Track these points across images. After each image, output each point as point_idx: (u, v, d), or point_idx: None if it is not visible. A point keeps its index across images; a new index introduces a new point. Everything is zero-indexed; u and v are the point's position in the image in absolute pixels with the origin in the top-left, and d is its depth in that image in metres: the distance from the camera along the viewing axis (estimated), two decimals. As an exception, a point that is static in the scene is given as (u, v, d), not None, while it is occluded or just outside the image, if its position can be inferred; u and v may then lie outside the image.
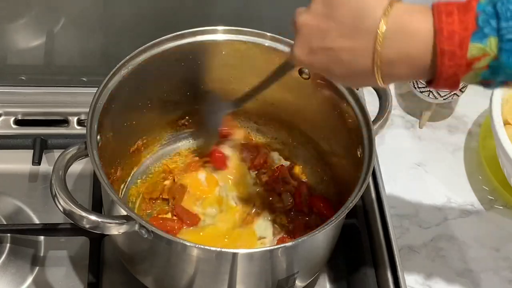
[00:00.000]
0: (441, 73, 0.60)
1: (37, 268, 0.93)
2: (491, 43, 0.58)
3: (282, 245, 0.78)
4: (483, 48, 0.58)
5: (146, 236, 0.74)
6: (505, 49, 0.58)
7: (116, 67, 0.87)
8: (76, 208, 0.74)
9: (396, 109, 1.15)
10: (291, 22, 0.70)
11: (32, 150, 1.02)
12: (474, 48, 0.58)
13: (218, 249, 0.75)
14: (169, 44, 0.90)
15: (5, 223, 0.95)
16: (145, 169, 1.01)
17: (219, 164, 0.99)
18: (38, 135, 1.04)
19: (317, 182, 1.00)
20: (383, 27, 0.61)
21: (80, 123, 1.10)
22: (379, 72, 0.63)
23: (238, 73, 0.97)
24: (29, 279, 0.92)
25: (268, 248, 0.77)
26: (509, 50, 0.58)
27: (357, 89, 0.91)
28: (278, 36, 0.92)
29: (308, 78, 0.92)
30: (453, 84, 0.62)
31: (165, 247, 0.78)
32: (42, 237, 0.95)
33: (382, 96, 0.90)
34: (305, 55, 0.68)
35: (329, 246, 0.88)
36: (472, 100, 1.15)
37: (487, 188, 1.07)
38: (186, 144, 1.04)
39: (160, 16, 1.03)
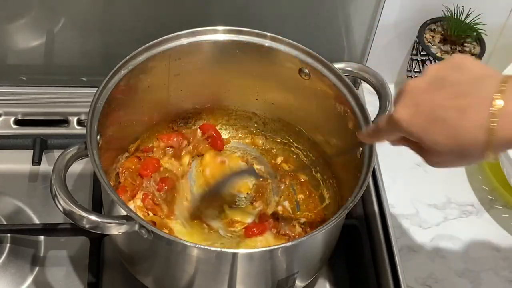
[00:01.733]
0: None
1: (37, 268, 0.93)
2: None
3: (282, 245, 0.78)
4: None
5: (146, 236, 0.74)
6: None
7: (116, 67, 0.87)
8: (76, 208, 0.74)
9: (396, 109, 1.15)
10: (399, 90, 0.68)
11: (32, 150, 1.03)
12: None
13: (218, 249, 0.75)
14: (169, 44, 0.90)
15: (5, 223, 0.95)
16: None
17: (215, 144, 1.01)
18: (38, 135, 1.04)
19: (317, 182, 1.00)
20: (497, 106, 0.60)
21: (80, 123, 1.10)
22: (491, 148, 0.61)
23: (238, 73, 0.97)
24: (29, 279, 0.92)
25: (268, 248, 0.77)
26: None
27: (357, 89, 0.91)
28: (278, 36, 0.92)
29: (308, 78, 0.92)
30: None
31: (165, 247, 0.78)
32: (42, 237, 0.95)
33: (382, 96, 0.91)
34: (408, 115, 0.65)
35: (329, 246, 0.88)
36: (472, 100, 1.15)
37: (487, 188, 1.07)
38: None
39: (160, 16, 1.03)
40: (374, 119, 0.87)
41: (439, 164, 0.68)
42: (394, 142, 0.71)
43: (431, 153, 0.66)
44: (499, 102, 0.60)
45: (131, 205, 0.91)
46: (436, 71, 0.65)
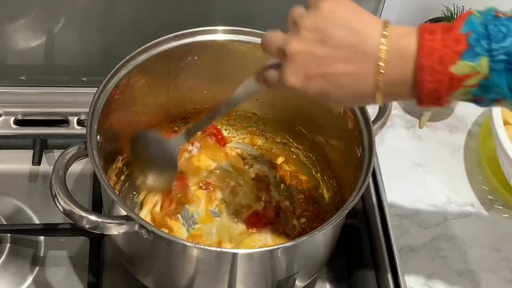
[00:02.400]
0: (421, 89, 0.61)
1: (37, 268, 0.93)
2: (482, 63, 0.59)
3: (282, 245, 0.78)
4: (474, 67, 0.59)
5: (146, 236, 0.74)
6: (496, 70, 0.59)
7: (116, 67, 0.87)
8: (76, 208, 0.74)
9: (396, 109, 1.15)
10: (276, 49, 0.68)
11: (32, 150, 1.02)
12: (464, 66, 0.59)
13: (218, 249, 0.75)
14: (169, 44, 0.90)
15: (5, 223, 0.95)
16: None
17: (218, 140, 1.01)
18: (38, 135, 1.04)
19: (317, 182, 1.00)
20: (384, 51, 0.62)
21: (80, 123, 1.10)
22: (381, 94, 0.64)
23: (238, 73, 0.97)
24: (29, 279, 0.91)
25: (268, 248, 0.77)
26: (500, 71, 0.58)
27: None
28: (278, 36, 0.91)
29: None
30: (436, 100, 0.62)
31: (165, 247, 0.78)
32: (42, 237, 0.95)
33: (382, 96, 0.90)
34: (300, 82, 0.66)
35: (329, 246, 0.88)
36: (472, 100, 1.15)
37: (487, 188, 1.07)
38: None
39: (160, 16, 1.03)
40: (374, 119, 0.87)
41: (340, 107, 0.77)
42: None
43: (334, 103, 0.70)
44: (383, 51, 0.62)
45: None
46: (312, 26, 0.64)
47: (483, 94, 0.61)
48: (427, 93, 0.61)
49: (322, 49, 0.64)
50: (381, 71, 0.62)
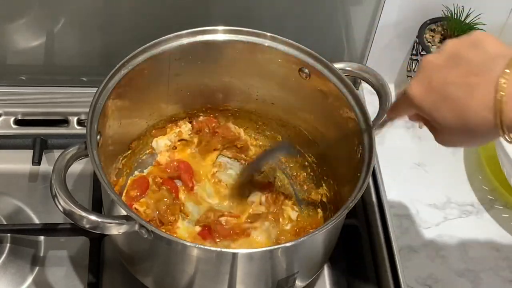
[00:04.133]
0: None
1: (37, 268, 0.93)
2: None
3: (282, 245, 0.78)
4: None
5: (146, 236, 0.74)
6: None
7: (116, 67, 0.87)
8: (76, 208, 0.74)
9: (396, 109, 1.15)
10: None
11: (32, 150, 1.03)
12: None
13: (218, 249, 0.75)
14: (169, 44, 0.90)
15: (5, 223, 0.95)
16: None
17: None
18: (38, 135, 1.04)
19: (317, 182, 1.00)
20: (504, 85, 0.60)
21: (80, 123, 1.10)
22: (504, 122, 0.61)
23: (238, 73, 0.97)
24: (29, 279, 0.92)
25: (268, 248, 0.77)
26: None
27: (357, 89, 0.91)
28: (278, 36, 0.92)
29: (308, 78, 0.92)
30: None
31: (165, 247, 0.78)
32: (42, 237, 0.95)
33: (382, 96, 0.90)
34: (420, 92, 0.66)
35: (329, 246, 0.88)
36: (472, 100, 1.15)
37: (487, 188, 1.07)
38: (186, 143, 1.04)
39: (160, 16, 1.03)
40: (374, 119, 0.87)
41: (449, 143, 0.68)
42: (411, 118, 0.73)
43: (441, 131, 0.66)
44: (503, 84, 0.60)
45: None
46: (453, 47, 0.65)
47: None
48: None
49: (451, 62, 0.64)
50: (499, 106, 0.60)
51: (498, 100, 0.60)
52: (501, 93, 0.60)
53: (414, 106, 0.67)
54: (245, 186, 0.99)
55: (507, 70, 0.60)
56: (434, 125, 0.67)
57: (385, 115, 0.80)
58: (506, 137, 0.62)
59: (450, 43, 0.66)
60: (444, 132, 0.66)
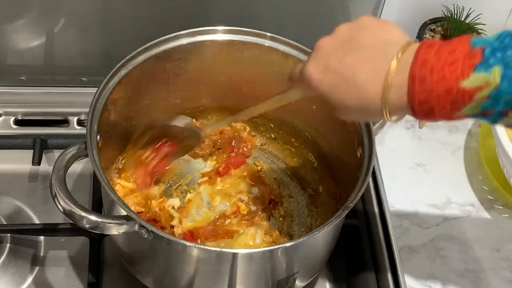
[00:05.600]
0: (413, 99, 0.62)
1: (37, 268, 0.93)
2: (495, 72, 0.59)
3: (282, 245, 0.78)
4: (486, 78, 0.59)
5: (146, 236, 0.74)
6: (507, 76, 0.59)
7: (116, 67, 0.87)
8: (76, 208, 0.74)
9: (396, 109, 1.15)
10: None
11: (32, 150, 1.02)
12: (477, 78, 0.59)
13: (218, 249, 0.75)
14: (169, 44, 0.90)
15: (5, 223, 0.95)
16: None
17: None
18: (38, 135, 1.04)
19: (317, 182, 1.00)
20: (394, 65, 0.62)
21: (80, 123, 1.10)
22: (387, 106, 0.64)
23: (238, 73, 0.97)
24: (29, 279, 0.91)
25: (268, 248, 0.77)
26: (510, 77, 0.59)
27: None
28: (278, 36, 0.92)
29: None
30: (428, 112, 0.62)
31: (165, 247, 0.77)
32: (42, 237, 0.95)
33: (382, 96, 0.90)
34: (318, 73, 0.67)
35: (329, 246, 0.88)
36: (472, 100, 1.15)
37: (487, 188, 1.07)
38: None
39: (160, 16, 1.03)
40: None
41: (348, 118, 0.71)
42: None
43: (340, 110, 0.69)
44: (393, 69, 0.62)
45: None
46: (347, 30, 0.67)
47: (492, 107, 0.61)
48: (418, 103, 0.62)
49: (347, 46, 0.66)
50: (391, 74, 0.63)
51: (385, 86, 0.63)
52: (390, 79, 0.62)
53: (311, 87, 0.69)
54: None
55: (397, 62, 0.63)
56: (333, 104, 0.69)
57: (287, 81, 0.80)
58: (390, 119, 0.65)
59: (343, 26, 0.68)
60: (342, 110, 0.69)
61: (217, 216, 0.95)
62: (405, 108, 0.63)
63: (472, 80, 0.59)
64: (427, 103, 0.61)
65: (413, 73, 0.61)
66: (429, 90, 0.61)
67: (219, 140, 1.03)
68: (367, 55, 0.65)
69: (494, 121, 0.62)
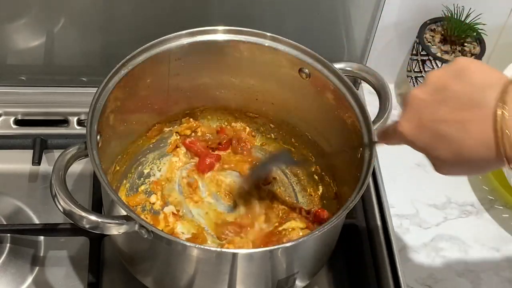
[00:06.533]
0: None
1: (37, 268, 0.93)
2: None
3: (282, 245, 0.78)
4: None
5: (146, 236, 0.74)
6: None
7: (116, 67, 0.87)
8: (76, 208, 0.74)
9: (396, 109, 1.15)
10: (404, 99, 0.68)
11: (32, 150, 1.02)
12: None
13: (218, 249, 0.75)
14: (169, 44, 0.90)
15: (5, 223, 0.95)
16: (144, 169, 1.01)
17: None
18: (38, 135, 1.04)
19: (317, 182, 1.00)
20: (501, 115, 0.58)
21: (80, 123, 1.10)
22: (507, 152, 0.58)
23: (238, 73, 0.97)
24: (29, 279, 0.92)
25: (268, 248, 0.77)
26: None
27: (357, 89, 0.91)
28: (278, 36, 0.92)
29: (308, 78, 0.92)
30: None
31: (165, 247, 0.77)
32: (42, 237, 0.95)
33: (382, 96, 0.90)
34: (411, 129, 0.65)
35: (329, 246, 0.88)
36: (472, 100, 1.15)
37: (487, 188, 1.07)
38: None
39: (160, 16, 1.03)
40: (374, 119, 0.87)
41: (449, 174, 0.66)
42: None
43: (439, 165, 0.65)
44: (500, 114, 0.57)
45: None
46: (438, 79, 0.64)
47: None
48: None
49: (441, 96, 0.62)
50: (503, 120, 0.57)
51: (499, 134, 0.58)
52: (502, 126, 0.57)
53: (407, 143, 0.66)
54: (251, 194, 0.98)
55: (504, 104, 0.58)
56: (431, 160, 0.66)
57: (377, 137, 0.79)
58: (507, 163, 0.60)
59: (434, 74, 0.64)
60: (442, 166, 0.65)
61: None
62: None
63: None
64: None
65: None
66: None
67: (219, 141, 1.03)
68: (461, 104, 0.60)
69: None
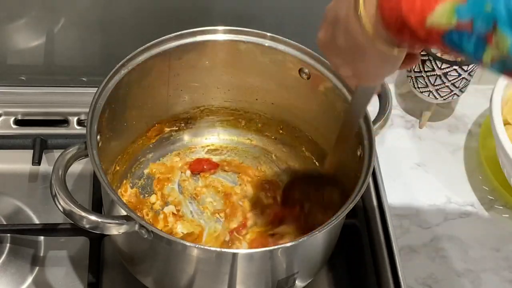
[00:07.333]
0: (382, 9, 0.57)
1: (37, 268, 0.93)
2: None
3: (282, 245, 0.78)
4: None
5: (146, 236, 0.74)
6: None
7: (116, 67, 0.87)
8: (76, 208, 0.74)
9: (396, 109, 1.15)
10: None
11: (32, 150, 1.02)
12: None
13: (218, 249, 0.75)
14: (169, 44, 0.90)
15: (5, 223, 0.95)
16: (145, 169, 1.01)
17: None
18: (38, 135, 1.04)
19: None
20: None
21: (80, 123, 1.10)
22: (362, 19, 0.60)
23: (238, 73, 0.97)
24: (29, 279, 0.91)
25: (268, 248, 0.77)
26: None
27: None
28: (278, 36, 0.92)
29: (308, 78, 0.92)
30: (397, 16, 0.55)
31: (165, 247, 0.78)
32: (42, 237, 0.95)
33: (382, 96, 0.90)
34: (323, 36, 0.69)
35: (329, 246, 0.88)
36: (472, 100, 1.15)
37: (487, 188, 1.07)
38: (186, 144, 1.04)
39: (160, 16, 1.03)
40: (374, 119, 0.87)
41: (368, 77, 0.69)
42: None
43: (353, 71, 0.68)
44: None
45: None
46: None
47: (470, 14, 0.51)
48: (388, 8, 0.56)
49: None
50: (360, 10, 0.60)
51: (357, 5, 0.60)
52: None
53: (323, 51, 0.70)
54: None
55: None
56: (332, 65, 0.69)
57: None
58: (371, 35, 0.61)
59: None
60: (340, 65, 0.68)
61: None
62: (380, 22, 0.58)
63: None
64: (399, 9, 0.55)
65: None
66: None
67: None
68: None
69: (476, 52, 0.53)
